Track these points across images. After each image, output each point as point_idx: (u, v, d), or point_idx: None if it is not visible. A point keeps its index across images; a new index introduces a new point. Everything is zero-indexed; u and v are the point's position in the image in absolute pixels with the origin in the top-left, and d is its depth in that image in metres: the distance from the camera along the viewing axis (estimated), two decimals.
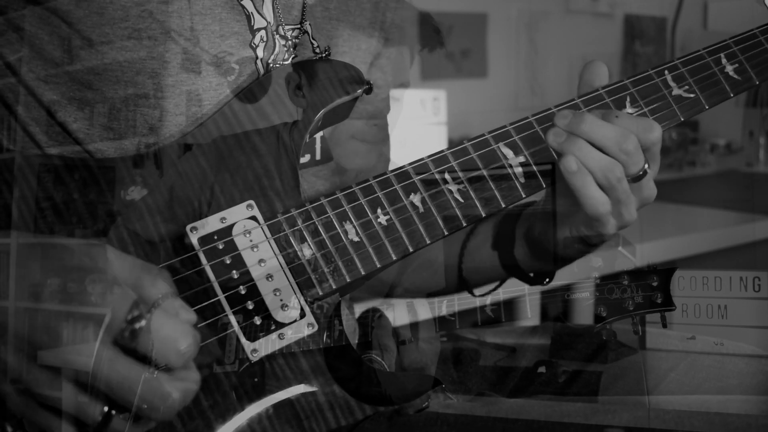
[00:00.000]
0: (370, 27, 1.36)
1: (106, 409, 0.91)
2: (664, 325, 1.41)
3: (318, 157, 1.28)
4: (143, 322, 0.89)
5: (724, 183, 3.28)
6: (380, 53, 1.40)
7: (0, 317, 0.92)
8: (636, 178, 1.14)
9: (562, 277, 1.41)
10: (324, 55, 1.25)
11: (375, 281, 1.45)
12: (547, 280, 1.37)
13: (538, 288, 1.43)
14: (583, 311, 1.42)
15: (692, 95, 1.23)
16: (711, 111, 1.25)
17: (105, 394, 0.90)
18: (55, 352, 0.90)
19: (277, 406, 1.07)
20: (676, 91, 1.22)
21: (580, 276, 1.41)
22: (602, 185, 1.13)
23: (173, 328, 0.91)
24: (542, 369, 1.44)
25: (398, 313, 1.46)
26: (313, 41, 1.25)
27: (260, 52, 1.18)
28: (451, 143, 1.17)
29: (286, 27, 1.22)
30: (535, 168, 1.15)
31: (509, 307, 1.47)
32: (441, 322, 1.49)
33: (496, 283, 1.45)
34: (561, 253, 1.27)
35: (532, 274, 1.37)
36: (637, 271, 1.43)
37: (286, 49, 1.21)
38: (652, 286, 1.41)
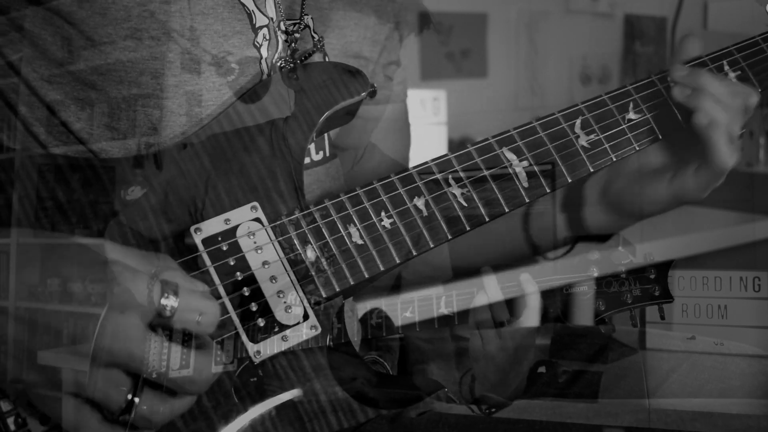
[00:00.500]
0: (376, 13, 1.36)
1: (130, 396, 0.93)
2: (662, 317, 1.41)
3: (328, 153, 1.28)
4: (176, 300, 0.93)
5: (724, 183, 3.26)
6: (392, 35, 1.40)
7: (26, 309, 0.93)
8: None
9: (560, 270, 1.41)
10: (320, 45, 1.25)
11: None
12: (608, 238, 1.39)
13: (537, 286, 1.43)
14: (582, 305, 1.43)
15: None
16: None
17: (133, 376, 0.93)
18: (76, 346, 0.92)
19: (280, 408, 1.07)
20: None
21: (578, 269, 1.41)
22: (728, 137, 1.19)
23: (200, 297, 0.97)
24: (542, 369, 1.44)
25: (491, 291, 1.44)
26: (315, 34, 1.25)
27: (264, 51, 1.18)
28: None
29: (288, 22, 1.22)
30: (538, 172, 1.16)
31: (510, 304, 1.46)
32: (440, 319, 1.49)
33: (568, 247, 1.45)
34: (644, 209, 1.32)
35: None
36: (633, 267, 1.43)
37: (288, 44, 1.21)
38: (649, 279, 1.41)
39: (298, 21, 1.24)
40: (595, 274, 1.43)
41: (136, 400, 0.93)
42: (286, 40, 1.22)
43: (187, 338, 0.96)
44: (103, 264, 0.95)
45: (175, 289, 0.93)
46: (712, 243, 2.59)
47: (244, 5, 1.17)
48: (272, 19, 1.20)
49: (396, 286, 1.47)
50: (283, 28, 1.21)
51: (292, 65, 1.17)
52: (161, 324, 0.94)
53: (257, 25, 1.18)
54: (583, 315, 1.44)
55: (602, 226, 1.38)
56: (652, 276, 1.41)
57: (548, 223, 1.43)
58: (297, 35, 1.23)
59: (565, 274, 1.42)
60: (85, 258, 0.97)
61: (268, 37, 1.19)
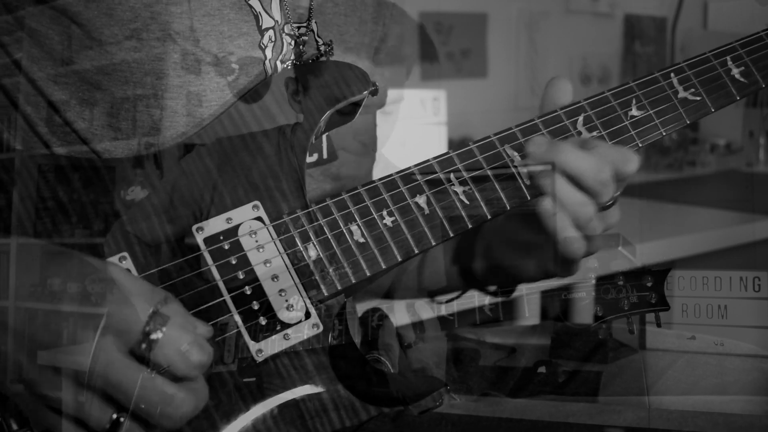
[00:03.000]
0: (372, 22, 1.37)
1: (115, 415, 0.92)
2: (659, 325, 1.42)
3: (325, 155, 1.28)
4: (160, 334, 0.91)
5: (724, 183, 3.27)
6: (379, 48, 1.41)
7: (6, 318, 0.93)
8: (604, 207, 1.13)
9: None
10: (327, 50, 1.25)
11: (373, 284, 1.45)
12: (510, 295, 1.38)
13: (536, 288, 1.43)
14: (580, 311, 1.43)
15: (698, 98, 1.23)
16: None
17: (116, 401, 0.91)
18: (63, 357, 0.91)
19: (282, 407, 1.07)
20: (682, 94, 1.22)
21: (577, 276, 1.42)
22: (576, 221, 1.11)
23: (189, 341, 0.93)
24: (542, 369, 1.44)
25: (399, 315, 1.46)
26: (318, 39, 1.25)
27: (269, 53, 1.18)
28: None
29: (294, 25, 1.22)
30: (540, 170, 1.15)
31: (507, 307, 1.47)
32: (440, 321, 1.49)
33: (458, 292, 1.45)
34: (523, 278, 1.29)
35: (491, 288, 1.38)
36: (632, 272, 1.43)
37: (292, 48, 1.21)
38: (646, 287, 1.41)
39: (305, 24, 1.24)
40: (593, 281, 1.43)
41: (122, 419, 0.92)
42: (295, 43, 1.22)
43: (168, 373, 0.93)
44: (101, 282, 0.94)
45: (163, 322, 0.91)
46: (712, 243, 2.59)
47: (251, 7, 1.17)
48: (278, 21, 1.20)
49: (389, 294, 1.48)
50: (288, 30, 1.21)
51: (295, 89, 1.16)
52: (142, 355, 0.91)
53: (263, 27, 1.18)
54: (582, 320, 1.44)
55: (493, 281, 1.37)
56: (649, 284, 1.42)
57: (440, 271, 1.42)
58: (305, 38, 1.23)
59: (563, 281, 1.43)
60: (83, 272, 0.96)
61: (273, 39, 1.19)
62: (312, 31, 1.24)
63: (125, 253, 1.03)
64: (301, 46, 1.22)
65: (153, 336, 0.91)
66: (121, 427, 0.92)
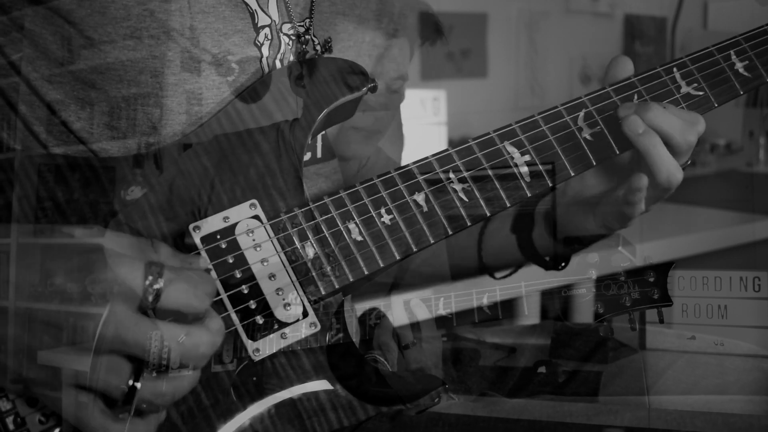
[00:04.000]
0: (375, 19, 1.36)
1: (131, 382, 0.92)
2: (661, 320, 1.41)
3: (319, 155, 1.28)
4: (162, 282, 0.92)
5: (724, 183, 3.27)
6: (391, 44, 1.40)
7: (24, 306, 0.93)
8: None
9: (560, 273, 1.41)
10: (326, 48, 1.25)
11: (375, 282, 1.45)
12: (563, 264, 1.38)
13: (535, 285, 1.43)
14: (581, 308, 1.42)
15: (701, 93, 1.22)
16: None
17: (137, 359, 0.92)
18: (73, 334, 0.91)
19: (279, 406, 1.07)
20: (684, 89, 1.21)
21: (577, 272, 1.41)
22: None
23: (190, 278, 0.94)
24: (542, 369, 1.44)
25: (396, 314, 1.45)
26: (314, 38, 1.25)
27: (265, 51, 1.18)
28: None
29: (298, 24, 1.22)
30: (540, 167, 1.15)
31: (507, 305, 1.47)
32: (438, 320, 1.49)
33: (513, 268, 1.45)
34: (582, 234, 1.29)
35: (548, 258, 1.38)
36: (633, 267, 1.43)
37: (290, 47, 1.21)
38: (648, 282, 1.41)
39: (302, 24, 1.23)
40: (594, 277, 1.42)
41: (138, 385, 0.92)
42: (298, 41, 1.21)
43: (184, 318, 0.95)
44: (95, 253, 0.94)
45: (159, 271, 0.92)
46: (712, 243, 2.59)
47: (247, 4, 1.17)
48: (275, 20, 1.19)
49: (394, 286, 1.48)
50: (286, 30, 1.21)
51: (299, 71, 1.16)
52: (150, 307, 0.92)
53: (259, 25, 1.18)
54: (582, 317, 1.44)
55: (550, 250, 1.38)
56: (651, 279, 1.41)
57: (499, 244, 1.43)
58: (307, 36, 1.22)
59: (564, 276, 1.42)
60: (75, 247, 0.96)
61: (270, 37, 1.18)
62: (308, 29, 1.23)
63: (121, 233, 1.03)
64: (304, 45, 1.22)
65: (155, 286, 0.91)
66: (138, 392, 0.92)
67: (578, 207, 1.27)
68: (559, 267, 1.38)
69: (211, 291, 0.96)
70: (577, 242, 1.33)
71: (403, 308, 1.46)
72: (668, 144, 1.14)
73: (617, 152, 1.18)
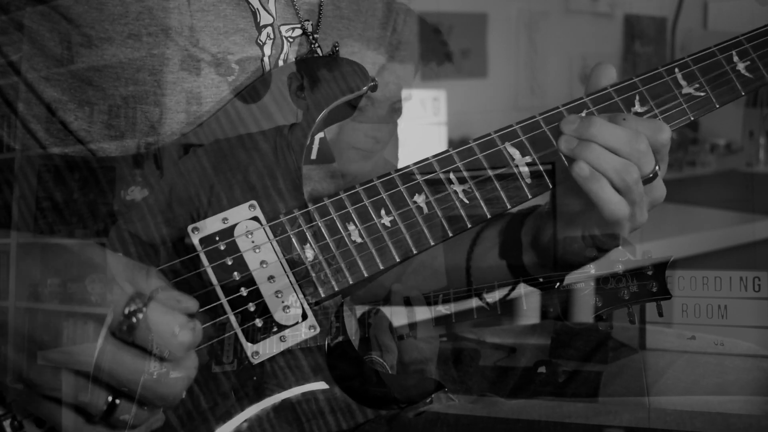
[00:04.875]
0: (380, 27, 1.36)
1: (110, 398, 0.92)
2: (661, 314, 1.41)
3: (313, 156, 1.27)
4: (140, 315, 0.90)
5: (724, 183, 3.27)
6: (392, 56, 1.40)
7: (2, 316, 0.92)
8: (647, 180, 1.13)
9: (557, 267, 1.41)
10: (333, 53, 1.25)
11: (373, 285, 1.45)
12: (558, 284, 1.37)
13: (533, 281, 1.43)
14: (579, 301, 1.42)
15: (703, 94, 1.21)
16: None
17: (109, 385, 0.91)
18: (59, 348, 0.91)
19: (278, 408, 1.07)
20: (686, 90, 1.21)
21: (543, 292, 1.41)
22: (619, 188, 1.11)
23: (171, 319, 0.92)
24: (542, 369, 1.44)
25: (395, 309, 1.45)
26: (313, 41, 1.24)
27: (267, 50, 1.18)
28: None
29: (294, 25, 1.22)
30: (541, 168, 1.14)
31: (505, 302, 1.46)
32: (437, 317, 1.49)
33: (509, 288, 1.44)
34: (571, 259, 1.27)
35: (541, 279, 1.37)
36: (633, 265, 1.42)
37: (290, 46, 1.21)
38: (647, 276, 1.41)
39: (300, 26, 1.22)
40: (593, 271, 1.42)
41: (117, 401, 0.92)
42: (307, 42, 1.21)
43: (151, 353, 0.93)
44: (81, 268, 0.94)
45: (143, 304, 0.91)
46: (712, 243, 2.59)
47: (249, 3, 1.16)
48: (275, 19, 1.19)
49: (387, 298, 1.48)
50: (284, 32, 1.20)
51: (299, 84, 1.16)
52: (122, 338, 0.91)
53: (261, 24, 1.17)
54: (581, 311, 1.43)
55: (542, 271, 1.37)
56: (650, 273, 1.41)
57: (488, 268, 1.41)
58: (317, 35, 1.22)
59: (563, 272, 1.42)
60: (66, 260, 0.96)
61: (272, 37, 1.18)
62: (306, 31, 1.23)
63: (120, 254, 1.02)
64: (312, 45, 1.22)
65: (133, 319, 0.90)
66: (118, 409, 0.92)
67: (566, 229, 1.25)
68: (555, 287, 1.38)
69: (191, 341, 0.93)
70: (570, 267, 1.32)
71: (401, 301, 1.46)
72: (618, 154, 1.12)
73: None
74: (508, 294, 1.44)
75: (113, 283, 0.92)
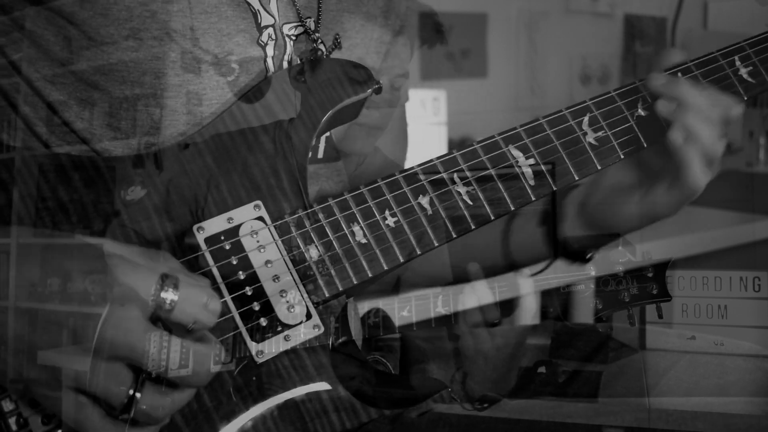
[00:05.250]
0: (382, 16, 1.36)
1: (131, 392, 0.93)
2: (660, 316, 1.41)
3: (320, 155, 1.28)
4: (177, 294, 0.93)
5: (724, 183, 3.26)
6: (396, 40, 1.40)
7: (27, 307, 0.94)
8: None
9: (557, 270, 1.41)
10: (335, 44, 1.24)
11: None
12: (590, 255, 1.37)
13: (534, 283, 1.43)
14: (579, 303, 1.42)
15: None
16: None
17: (142, 368, 0.93)
18: (84, 338, 0.92)
19: (281, 408, 1.07)
20: None
21: (575, 269, 1.41)
22: (709, 157, 1.15)
23: (199, 291, 0.96)
24: (542, 369, 1.44)
25: (480, 293, 1.44)
26: (317, 36, 1.24)
27: (269, 50, 1.18)
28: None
29: (296, 23, 1.21)
30: (545, 170, 1.15)
31: (506, 304, 1.46)
32: (438, 319, 1.49)
33: (546, 263, 1.44)
34: (618, 224, 1.28)
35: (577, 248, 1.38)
36: (632, 266, 1.43)
37: (312, 42, 1.21)
38: (647, 278, 1.41)
39: (302, 24, 1.22)
40: (593, 273, 1.42)
41: (138, 395, 0.93)
42: (308, 39, 1.21)
43: (188, 332, 0.96)
44: (101, 259, 0.95)
45: (175, 283, 0.94)
46: (712, 243, 2.59)
47: (249, 4, 1.16)
48: (276, 19, 1.19)
49: (396, 287, 1.47)
50: (287, 31, 1.21)
51: (300, 66, 1.16)
52: (162, 318, 0.94)
53: (262, 24, 1.18)
54: (582, 313, 1.44)
55: (580, 240, 1.37)
56: (650, 275, 1.41)
57: (527, 238, 1.41)
58: (318, 33, 1.22)
59: (563, 273, 1.42)
60: (83, 254, 0.97)
61: (274, 37, 1.18)
62: (308, 28, 1.23)
63: (131, 246, 1.03)
64: (314, 43, 1.22)
65: (170, 297, 0.93)
66: (137, 402, 0.93)
67: (619, 194, 1.27)
68: (586, 257, 1.38)
69: (218, 309, 0.97)
70: (619, 232, 1.33)
71: (485, 286, 1.44)
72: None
73: (621, 157, 1.19)
74: (545, 269, 1.44)
75: (139, 269, 0.94)
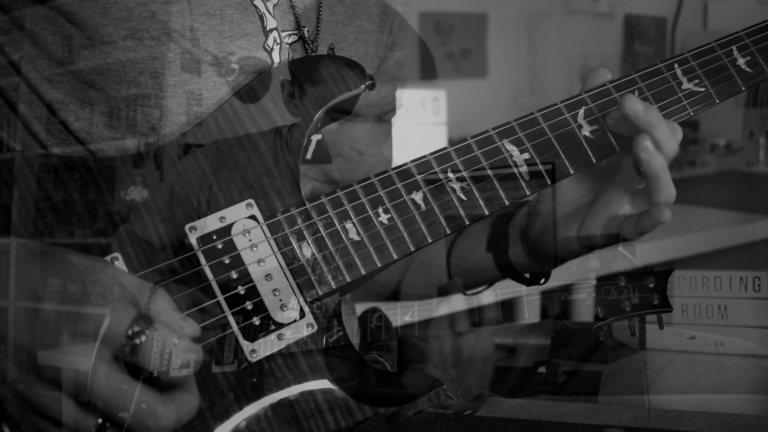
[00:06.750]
0: (377, 31, 1.35)
1: (100, 420, 0.91)
2: (661, 326, 1.41)
3: (309, 156, 1.27)
4: (144, 338, 0.90)
5: (724, 183, 3.27)
6: (387, 57, 1.40)
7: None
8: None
9: (560, 278, 1.40)
10: (330, 53, 1.24)
11: (375, 285, 1.44)
12: (543, 280, 1.37)
13: (536, 289, 1.43)
14: (581, 312, 1.42)
15: (703, 89, 1.21)
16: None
17: (101, 408, 0.91)
18: (53, 362, 0.90)
19: (276, 407, 1.07)
20: (686, 86, 1.20)
21: (578, 277, 1.41)
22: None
23: (174, 345, 0.91)
24: (542, 369, 1.44)
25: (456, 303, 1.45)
26: (308, 45, 1.24)
27: (276, 56, 1.17)
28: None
29: (291, 31, 1.21)
30: (540, 164, 1.14)
31: (507, 309, 1.46)
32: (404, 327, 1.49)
33: (486, 285, 1.44)
34: (560, 254, 1.26)
35: (527, 275, 1.37)
36: (634, 273, 1.42)
37: (288, 48, 1.21)
38: (649, 288, 1.40)
39: (296, 32, 1.22)
40: (595, 282, 1.42)
41: (108, 424, 0.91)
42: (304, 48, 1.21)
43: (150, 377, 0.92)
44: (86, 281, 0.94)
45: (147, 324, 0.90)
46: (712, 243, 2.59)
47: (256, 7, 1.16)
48: (276, 27, 1.19)
49: (396, 288, 1.47)
50: (283, 38, 1.20)
51: (291, 91, 1.15)
52: (125, 359, 0.90)
53: (268, 28, 1.17)
54: (582, 320, 1.43)
55: (527, 267, 1.37)
56: (651, 285, 1.41)
57: (474, 261, 1.41)
58: (316, 43, 1.22)
59: (564, 281, 1.42)
60: (69, 271, 0.96)
61: (279, 42, 1.18)
62: (302, 38, 1.22)
63: (117, 254, 1.02)
64: (309, 52, 1.21)
65: (136, 340, 0.89)
66: (107, 430, 0.91)
67: (559, 223, 1.25)
68: (540, 282, 1.38)
69: (191, 364, 0.93)
70: (559, 261, 1.32)
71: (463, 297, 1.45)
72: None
73: (617, 149, 1.17)
74: (484, 289, 1.44)
75: (116, 300, 0.91)
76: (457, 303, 1.48)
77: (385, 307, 1.43)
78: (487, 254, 1.37)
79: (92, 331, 0.90)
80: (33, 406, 0.92)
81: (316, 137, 1.26)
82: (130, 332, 0.89)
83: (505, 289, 1.46)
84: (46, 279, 0.93)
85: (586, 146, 1.16)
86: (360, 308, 1.43)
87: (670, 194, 1.15)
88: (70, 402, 0.91)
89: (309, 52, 1.22)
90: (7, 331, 0.92)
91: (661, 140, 1.12)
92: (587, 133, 1.17)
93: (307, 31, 1.23)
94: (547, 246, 1.28)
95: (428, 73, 1.61)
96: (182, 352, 0.92)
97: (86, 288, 0.92)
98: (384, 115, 1.39)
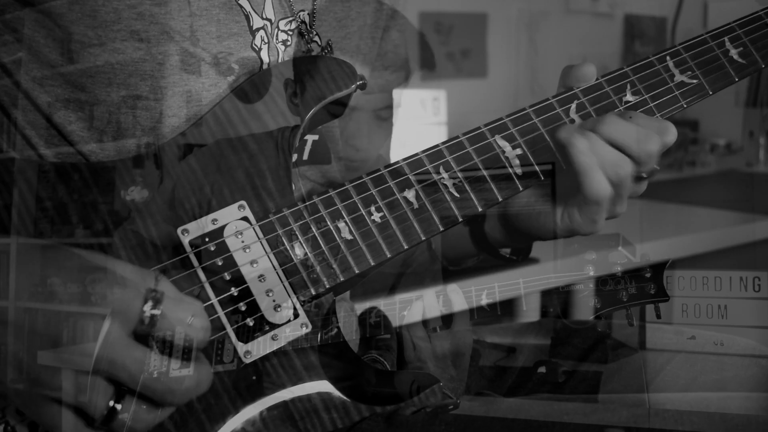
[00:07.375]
0: (373, 26, 1.35)
1: (111, 403, 0.93)
2: (659, 316, 1.41)
3: (305, 156, 1.27)
4: (159, 310, 0.93)
5: (724, 183, 3.27)
6: (389, 26, 1.39)
7: (3, 316, 0.93)
8: (641, 178, 1.13)
9: (557, 270, 1.40)
10: (326, 50, 1.24)
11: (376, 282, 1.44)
12: (520, 257, 1.36)
13: (535, 281, 1.42)
14: (578, 303, 1.42)
15: (695, 81, 1.21)
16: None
17: (121, 382, 0.93)
18: (67, 348, 0.92)
19: (271, 408, 1.07)
20: (678, 77, 1.20)
21: (575, 269, 1.41)
22: (610, 179, 1.11)
23: (186, 308, 0.96)
24: (542, 369, 1.44)
25: (428, 301, 1.44)
26: (311, 31, 1.23)
27: (264, 56, 1.17)
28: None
29: (291, 18, 1.21)
30: (532, 160, 1.14)
31: (505, 302, 1.46)
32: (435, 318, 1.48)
33: (473, 258, 1.43)
34: (536, 232, 1.25)
35: (505, 253, 1.36)
36: (631, 267, 1.42)
37: (289, 45, 1.20)
38: (645, 278, 1.40)
39: (296, 18, 1.22)
40: (592, 273, 1.42)
41: (118, 407, 0.93)
42: (301, 39, 1.21)
43: (170, 349, 0.95)
44: (88, 271, 0.95)
45: (158, 299, 0.93)
46: (712, 243, 2.59)
47: (242, 7, 1.16)
48: (271, 20, 1.19)
49: (394, 287, 1.47)
50: (283, 26, 1.20)
51: (293, 90, 1.15)
52: (144, 333, 0.94)
53: (254, 28, 1.17)
54: (580, 313, 1.43)
55: (503, 243, 1.36)
56: (648, 275, 1.41)
57: (452, 234, 1.40)
58: (312, 33, 1.22)
59: (562, 273, 1.42)
60: (70, 263, 0.97)
61: (266, 41, 1.18)
62: (304, 22, 1.22)
63: (126, 263, 1.02)
64: (309, 44, 1.21)
65: (153, 312, 0.93)
66: (118, 414, 0.93)
67: (543, 205, 1.24)
68: (516, 259, 1.37)
69: (207, 329, 0.97)
70: (536, 239, 1.31)
71: (435, 296, 1.44)
72: (625, 154, 1.11)
73: None
74: (469, 267, 1.44)
75: (126, 284, 0.94)
76: (456, 301, 1.48)
77: (383, 304, 1.43)
78: (464, 228, 1.37)
79: (103, 310, 0.92)
80: (44, 393, 0.93)
81: (312, 137, 1.26)
82: (146, 307, 0.93)
83: (503, 282, 1.46)
84: (49, 274, 0.94)
85: None
86: (360, 307, 1.42)
87: (599, 191, 1.12)
88: (80, 387, 0.92)
89: (306, 38, 1.21)
90: (13, 323, 0.93)
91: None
92: None
93: (307, 14, 1.22)
94: (522, 221, 1.27)
95: (427, 63, 1.61)
96: (197, 320, 0.96)
97: (93, 274, 0.94)
98: (380, 111, 1.39)
